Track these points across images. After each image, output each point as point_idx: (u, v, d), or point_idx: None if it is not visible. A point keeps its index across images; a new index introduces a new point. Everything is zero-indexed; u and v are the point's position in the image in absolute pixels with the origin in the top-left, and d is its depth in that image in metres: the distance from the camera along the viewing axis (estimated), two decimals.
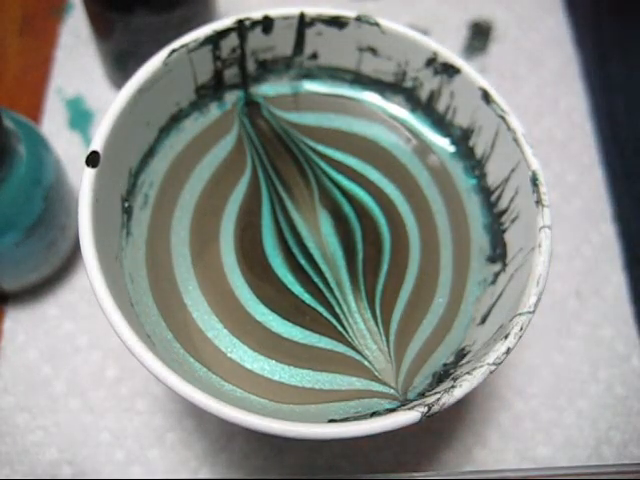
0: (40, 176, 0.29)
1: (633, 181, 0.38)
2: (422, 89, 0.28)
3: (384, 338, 0.24)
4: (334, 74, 0.28)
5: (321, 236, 0.26)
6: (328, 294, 0.25)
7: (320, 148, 0.27)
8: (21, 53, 0.39)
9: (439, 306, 0.25)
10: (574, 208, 0.37)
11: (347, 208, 0.26)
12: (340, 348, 0.24)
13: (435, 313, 0.25)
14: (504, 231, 0.25)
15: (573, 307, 0.34)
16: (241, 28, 0.26)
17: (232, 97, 0.28)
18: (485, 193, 0.27)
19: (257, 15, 0.26)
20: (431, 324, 0.25)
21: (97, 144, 0.23)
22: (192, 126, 0.27)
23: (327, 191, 0.27)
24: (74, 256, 0.33)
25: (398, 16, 0.41)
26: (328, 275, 0.25)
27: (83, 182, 0.22)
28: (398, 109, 0.29)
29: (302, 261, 0.25)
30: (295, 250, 0.25)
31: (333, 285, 0.25)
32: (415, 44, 0.26)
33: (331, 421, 0.22)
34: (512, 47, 0.41)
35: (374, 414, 0.22)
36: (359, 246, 0.26)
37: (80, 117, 0.37)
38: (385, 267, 0.26)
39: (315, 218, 0.26)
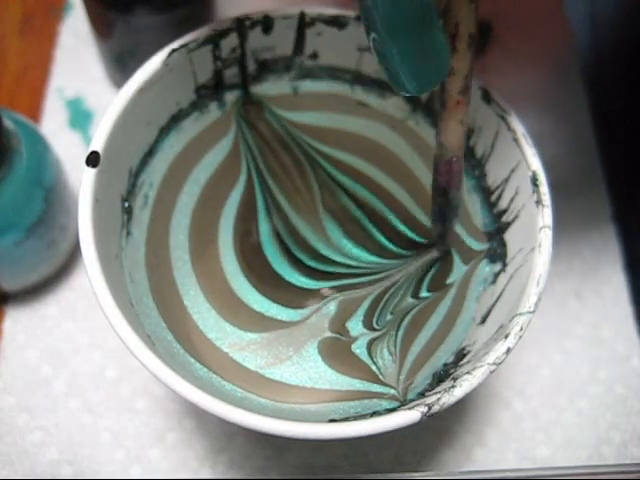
0: (40, 176, 0.29)
1: (633, 181, 0.38)
2: None
3: (393, 339, 0.24)
4: (334, 74, 0.28)
5: (330, 240, 0.26)
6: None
7: (322, 148, 0.27)
8: (21, 53, 0.39)
9: (444, 306, 0.25)
10: (574, 208, 0.36)
11: (356, 211, 0.26)
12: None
13: (439, 313, 0.25)
14: (504, 231, 0.25)
15: (573, 307, 0.34)
16: (241, 28, 0.26)
17: (232, 97, 0.28)
18: (485, 193, 0.27)
19: (257, 15, 0.26)
20: (435, 324, 0.25)
21: (97, 144, 0.23)
22: (192, 126, 0.27)
23: (331, 194, 0.27)
24: (74, 256, 0.33)
25: None
26: (348, 270, 0.25)
27: (83, 182, 0.22)
28: (398, 109, 0.29)
29: (312, 263, 0.25)
30: (300, 255, 0.25)
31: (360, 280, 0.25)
32: None
33: (331, 421, 0.22)
34: (512, 47, 0.41)
35: (374, 414, 0.22)
36: (392, 248, 0.26)
37: (80, 117, 0.37)
38: (436, 265, 0.26)
39: (319, 222, 0.26)
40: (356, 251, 0.26)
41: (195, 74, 0.26)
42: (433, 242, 0.26)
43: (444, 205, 0.25)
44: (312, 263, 0.25)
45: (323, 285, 0.25)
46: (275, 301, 0.25)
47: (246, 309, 0.24)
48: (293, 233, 0.26)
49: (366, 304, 0.25)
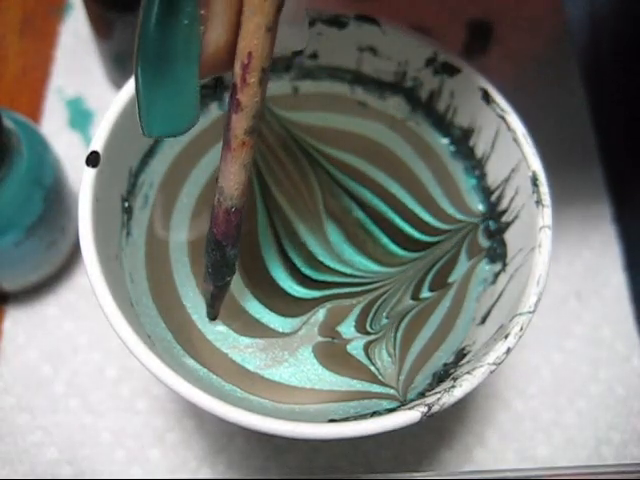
0: (40, 176, 0.29)
1: (633, 181, 0.38)
2: (422, 89, 0.28)
3: (392, 341, 0.24)
4: (334, 74, 0.28)
5: (330, 244, 0.26)
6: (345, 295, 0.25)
7: (322, 148, 0.27)
8: (21, 53, 0.39)
9: (443, 306, 0.25)
10: (574, 208, 0.36)
11: (358, 213, 0.26)
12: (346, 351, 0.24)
13: (439, 313, 0.25)
14: (504, 231, 0.25)
15: (573, 307, 0.34)
16: None
17: None
18: (485, 193, 0.27)
19: None
20: (434, 324, 0.25)
21: (97, 144, 0.23)
22: None
23: (333, 195, 0.27)
24: (74, 256, 0.33)
25: (398, 16, 0.41)
26: (344, 279, 0.25)
27: (83, 182, 0.22)
28: (398, 109, 0.29)
29: (307, 271, 0.25)
30: (296, 260, 0.25)
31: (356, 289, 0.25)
32: (415, 44, 0.26)
33: (331, 421, 0.22)
34: (512, 47, 0.41)
35: (374, 414, 0.22)
36: (396, 250, 0.26)
37: (80, 117, 0.37)
38: (439, 265, 0.26)
39: (320, 224, 0.26)
40: (356, 258, 0.25)
41: None
42: (437, 241, 0.26)
43: (218, 261, 0.22)
44: (308, 271, 0.25)
45: (316, 295, 0.25)
46: (269, 308, 0.24)
47: (242, 313, 0.24)
48: (292, 236, 0.26)
49: (356, 311, 0.25)
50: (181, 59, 0.17)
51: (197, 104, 0.19)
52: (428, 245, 0.26)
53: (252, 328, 0.24)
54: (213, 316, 0.24)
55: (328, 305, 0.25)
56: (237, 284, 0.25)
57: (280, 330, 0.24)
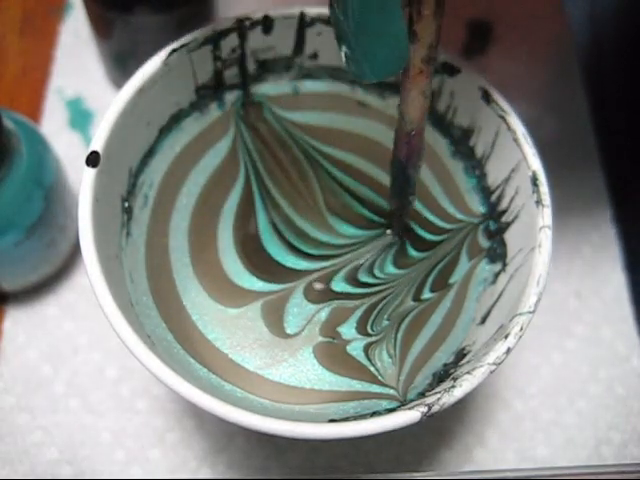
0: (40, 176, 0.29)
1: (633, 182, 0.38)
2: None
3: (392, 342, 0.24)
4: (334, 74, 0.28)
5: (337, 232, 0.26)
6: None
7: (323, 148, 0.27)
8: (21, 53, 0.39)
9: (444, 307, 0.25)
10: (574, 208, 0.36)
11: (362, 210, 0.26)
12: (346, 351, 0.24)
13: (439, 313, 0.25)
14: (504, 231, 0.25)
15: (573, 307, 0.34)
16: (241, 28, 0.26)
17: (232, 97, 0.28)
18: (485, 193, 0.27)
19: (257, 15, 0.26)
20: (435, 324, 0.25)
21: (97, 144, 0.23)
22: (192, 126, 0.27)
23: (333, 194, 0.27)
24: (74, 256, 0.33)
25: None
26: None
27: (83, 182, 0.22)
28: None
29: (313, 251, 0.25)
30: (302, 246, 0.25)
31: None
32: None
33: (331, 421, 0.22)
34: (512, 47, 0.41)
35: (374, 414, 0.22)
36: (411, 252, 0.26)
37: (80, 117, 0.37)
38: (440, 266, 0.26)
39: (324, 221, 0.26)
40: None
41: (195, 74, 0.26)
42: (400, 229, 0.26)
43: (402, 181, 0.24)
44: (314, 251, 0.25)
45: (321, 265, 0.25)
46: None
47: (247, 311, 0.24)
48: (298, 231, 0.26)
49: (359, 313, 0.25)
50: (385, 4, 0.18)
51: (407, 42, 0.20)
52: (433, 244, 0.26)
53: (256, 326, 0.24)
54: (397, 234, 0.26)
55: (334, 304, 0.25)
56: (244, 281, 0.25)
57: (288, 331, 0.24)
